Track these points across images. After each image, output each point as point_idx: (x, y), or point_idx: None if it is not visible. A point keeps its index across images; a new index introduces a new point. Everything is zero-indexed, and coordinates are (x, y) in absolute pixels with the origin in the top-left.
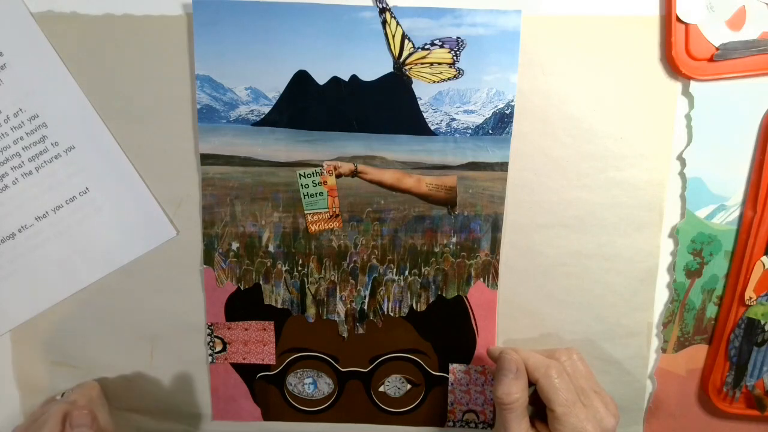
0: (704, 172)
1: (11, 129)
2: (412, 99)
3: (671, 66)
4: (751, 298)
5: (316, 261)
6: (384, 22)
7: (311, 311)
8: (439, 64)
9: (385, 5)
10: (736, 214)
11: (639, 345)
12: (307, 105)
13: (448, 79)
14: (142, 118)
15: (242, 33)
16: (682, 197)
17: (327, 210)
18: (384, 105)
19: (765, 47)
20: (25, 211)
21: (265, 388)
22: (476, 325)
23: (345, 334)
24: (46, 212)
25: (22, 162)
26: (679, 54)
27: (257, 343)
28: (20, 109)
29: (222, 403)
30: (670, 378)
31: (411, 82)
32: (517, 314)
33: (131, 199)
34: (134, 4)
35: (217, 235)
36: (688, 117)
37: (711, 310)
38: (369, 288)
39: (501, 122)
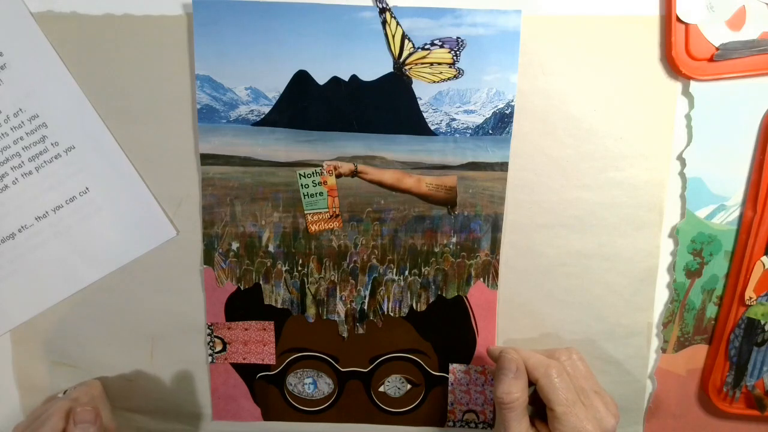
0: (704, 172)
1: (11, 129)
2: (412, 99)
3: (671, 66)
4: (751, 298)
5: (316, 261)
6: (384, 22)
7: (311, 311)
8: (439, 64)
9: (385, 5)
10: (736, 214)
11: (639, 345)
12: (307, 105)
13: (448, 79)
14: (142, 118)
15: (242, 33)
16: (682, 197)
17: (327, 210)
18: (384, 105)
19: (765, 47)
20: (25, 211)
21: (265, 388)
22: (476, 325)
23: (345, 334)
24: (46, 212)
25: (22, 162)
26: (679, 54)
27: (257, 343)
28: (20, 109)
29: (222, 403)
30: (670, 378)
31: (411, 82)
32: (517, 314)
33: (131, 199)
34: (134, 4)
35: (217, 235)
36: (688, 117)
37: (711, 310)
38: (369, 288)
39: (501, 122)
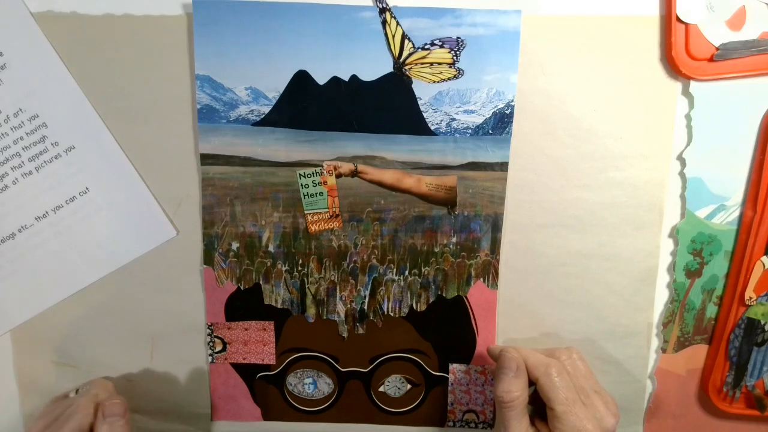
0: (704, 172)
1: (11, 129)
2: (412, 99)
3: (671, 66)
4: (751, 298)
5: (316, 261)
6: (384, 22)
7: (311, 311)
8: (439, 64)
9: (385, 5)
10: (736, 214)
11: (639, 345)
12: (307, 105)
13: (448, 79)
14: (142, 118)
15: (242, 33)
16: (682, 197)
17: (327, 210)
18: (384, 105)
19: (765, 47)
20: (25, 211)
21: (265, 388)
22: (476, 325)
23: (345, 334)
24: (46, 212)
25: (22, 162)
26: (679, 54)
27: (257, 343)
28: (20, 109)
29: (222, 403)
30: (670, 378)
31: (411, 82)
32: (517, 314)
33: (131, 199)
34: (134, 4)
35: (217, 235)
36: (688, 117)
37: (711, 310)
38: (369, 288)
39: (501, 122)
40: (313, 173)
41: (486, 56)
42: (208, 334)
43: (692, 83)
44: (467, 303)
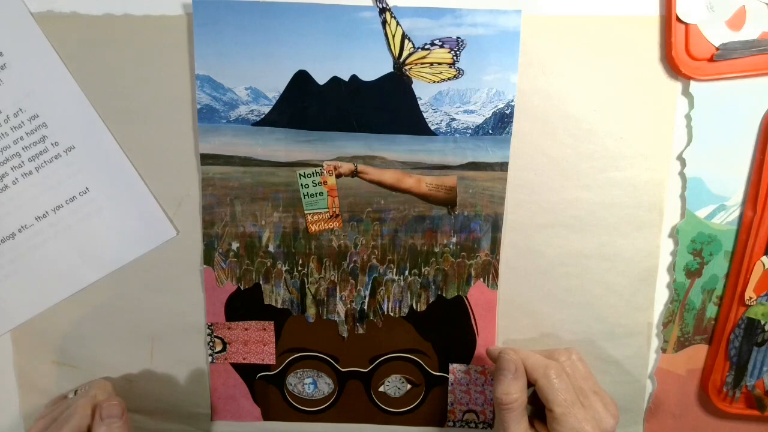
0: (704, 172)
1: (11, 129)
2: (412, 99)
3: (671, 66)
4: (751, 298)
5: (316, 261)
6: (384, 22)
7: (311, 311)
8: (439, 64)
9: (385, 5)
10: (736, 214)
11: (639, 345)
12: (307, 105)
13: (448, 79)
14: (142, 118)
15: (242, 33)
16: (682, 197)
17: (327, 210)
18: (384, 105)
19: (765, 47)
20: (25, 211)
21: (265, 388)
22: (476, 325)
23: (345, 334)
24: (46, 212)
25: (22, 162)
26: (679, 54)
27: (257, 343)
28: (20, 109)
29: (222, 403)
30: (670, 378)
31: (411, 82)
32: (517, 314)
33: (131, 199)
34: (134, 4)
35: (217, 235)
36: (688, 117)
37: (711, 310)
38: (369, 288)
39: (501, 122)
40: (313, 173)
41: (486, 56)
42: (208, 334)
43: (692, 83)
44: (467, 303)
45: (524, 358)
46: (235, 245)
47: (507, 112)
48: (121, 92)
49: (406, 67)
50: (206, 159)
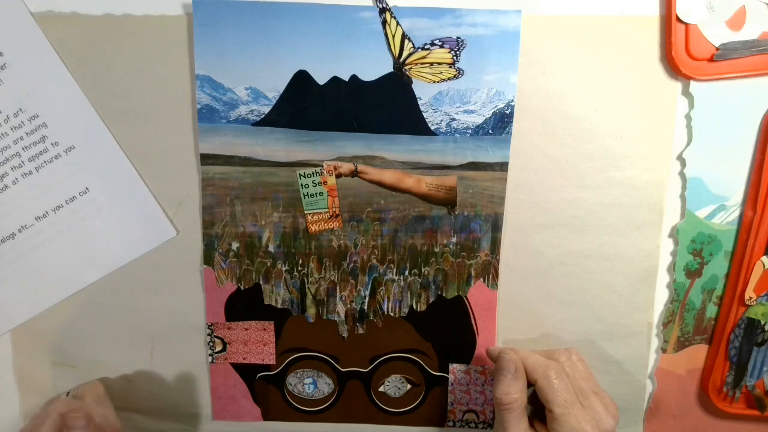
0: (704, 172)
1: (11, 129)
2: (412, 99)
3: (671, 66)
4: (751, 298)
5: (316, 261)
6: (384, 22)
7: (311, 311)
8: (439, 64)
9: (385, 5)
10: (736, 214)
11: (639, 345)
12: (307, 105)
13: (448, 79)
14: (142, 118)
15: (242, 33)
16: (682, 197)
17: (327, 210)
18: (384, 105)
19: (765, 47)
20: (25, 211)
21: (265, 388)
22: (476, 325)
23: (345, 334)
24: (46, 212)
25: (22, 162)
26: (679, 54)
27: (257, 343)
28: (20, 109)
29: (222, 403)
30: (670, 378)
31: (411, 82)
32: (517, 314)
33: (131, 199)
34: (134, 4)
35: (217, 235)
36: (688, 117)
37: (711, 310)
38: (369, 288)
39: (501, 122)
40: (313, 173)
41: (486, 56)
42: (208, 334)
43: (692, 83)
44: (467, 303)
45: (524, 358)
46: (235, 245)
47: (507, 112)
48: (121, 92)
49: (406, 67)
50: (206, 159)
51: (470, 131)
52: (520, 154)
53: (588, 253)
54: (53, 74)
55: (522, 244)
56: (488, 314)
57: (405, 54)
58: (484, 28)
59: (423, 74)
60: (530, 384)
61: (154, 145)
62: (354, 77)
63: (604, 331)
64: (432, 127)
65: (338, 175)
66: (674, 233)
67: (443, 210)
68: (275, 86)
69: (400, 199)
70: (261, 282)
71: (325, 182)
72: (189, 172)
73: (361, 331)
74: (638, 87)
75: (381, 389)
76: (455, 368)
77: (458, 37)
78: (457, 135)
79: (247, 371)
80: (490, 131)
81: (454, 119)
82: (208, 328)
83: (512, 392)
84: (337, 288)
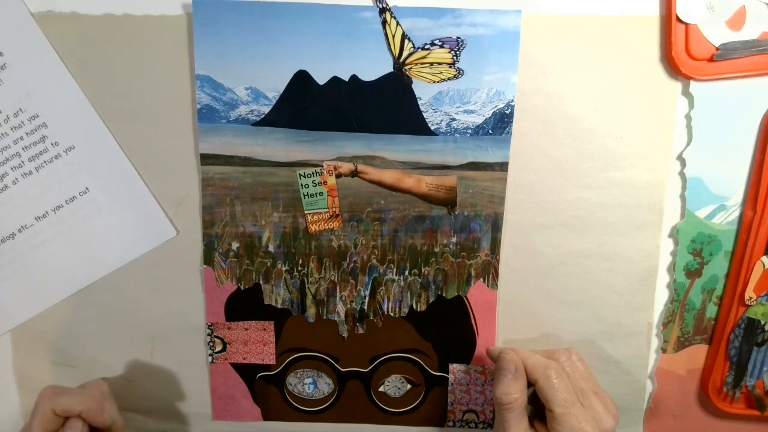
0: (704, 172)
1: (11, 129)
2: (412, 99)
3: (671, 66)
4: (751, 298)
5: (316, 261)
6: (384, 22)
7: (311, 311)
8: (439, 64)
9: (385, 5)
10: (736, 214)
11: (639, 345)
12: (307, 105)
13: (448, 79)
14: (142, 118)
15: (242, 33)
16: (682, 197)
17: (327, 210)
18: (384, 105)
19: (765, 47)
20: (25, 211)
21: (265, 388)
22: (476, 325)
23: (345, 334)
24: (46, 212)
25: (22, 162)
26: (679, 54)
27: (257, 343)
28: (20, 109)
29: (222, 403)
30: (670, 378)
31: (411, 82)
32: (517, 314)
33: (131, 199)
34: (134, 4)
35: (217, 235)
36: (688, 117)
37: (711, 310)
38: (369, 288)
39: (501, 122)
40: (313, 173)
41: (486, 56)
42: (208, 334)
43: (692, 83)
44: (467, 303)
45: (524, 358)
46: (235, 245)
47: (507, 112)
48: (121, 92)
49: (406, 67)
50: (206, 159)
51: (470, 131)
52: (520, 154)
53: (588, 253)
54: (53, 74)
55: (522, 244)
56: (488, 314)
57: (405, 54)
58: (484, 28)
59: (423, 74)
60: (530, 384)
61: (154, 145)
62: (354, 77)
63: (604, 331)
64: (432, 127)
65: (338, 175)
66: (674, 233)
67: (443, 210)
68: (275, 86)
69: (400, 199)
70: (261, 282)
71: (325, 182)
72: (189, 172)
73: (361, 331)
74: (638, 87)
75: (381, 389)
76: (455, 368)
77: (458, 37)
78: (457, 135)
79: (247, 371)
80: (490, 131)
81: (454, 119)
82: (208, 328)
83: (512, 392)
84: (337, 288)
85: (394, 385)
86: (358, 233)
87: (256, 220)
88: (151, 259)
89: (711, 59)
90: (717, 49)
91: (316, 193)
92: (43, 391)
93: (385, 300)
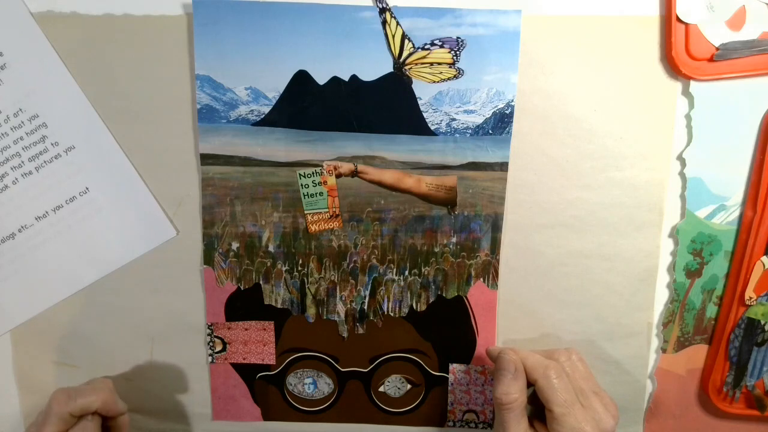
0: (704, 172)
1: (11, 129)
2: (412, 99)
3: (671, 66)
4: (751, 298)
5: (316, 261)
6: (384, 22)
7: (311, 311)
8: (439, 64)
9: (385, 5)
10: (736, 214)
11: (639, 345)
12: (307, 105)
13: (448, 79)
14: (142, 118)
15: (242, 33)
16: (682, 197)
17: (327, 210)
18: (384, 105)
19: (765, 47)
20: (25, 211)
21: (265, 388)
22: (476, 325)
23: (345, 334)
24: (46, 212)
25: (22, 162)
26: (679, 54)
27: (257, 343)
28: (20, 109)
29: (222, 403)
30: (670, 378)
31: (411, 82)
32: (517, 314)
33: (131, 199)
34: (134, 4)
35: (217, 235)
36: (688, 117)
37: (711, 310)
38: (369, 288)
39: (501, 122)
40: (313, 173)
41: (486, 56)
42: (208, 334)
43: (692, 83)
44: (467, 303)
45: (524, 358)
46: (235, 245)
47: (507, 112)
48: (121, 92)
49: (406, 67)
50: (206, 159)
51: (470, 131)
52: (520, 154)
53: (588, 253)
54: (53, 74)
55: (522, 244)
56: (488, 314)
57: (405, 54)
58: (484, 28)
59: (423, 74)
60: (530, 384)
61: (154, 145)
62: (354, 77)
63: (604, 331)
64: (432, 127)
65: (338, 175)
66: (674, 233)
67: (443, 210)
68: (275, 86)
69: (400, 199)
70: (261, 282)
71: (325, 182)
72: (189, 172)
73: (361, 331)
74: (638, 87)
75: (381, 389)
76: (455, 368)
77: (458, 37)
78: (457, 135)
79: (247, 371)
80: (490, 131)
81: (454, 119)
82: (208, 328)
83: (512, 392)
84: (337, 288)
85: (394, 385)
86: (358, 233)
87: (256, 220)
88: (151, 259)
89: (711, 59)
90: (717, 49)
91: (316, 193)
92: (55, 395)
93: (385, 300)
